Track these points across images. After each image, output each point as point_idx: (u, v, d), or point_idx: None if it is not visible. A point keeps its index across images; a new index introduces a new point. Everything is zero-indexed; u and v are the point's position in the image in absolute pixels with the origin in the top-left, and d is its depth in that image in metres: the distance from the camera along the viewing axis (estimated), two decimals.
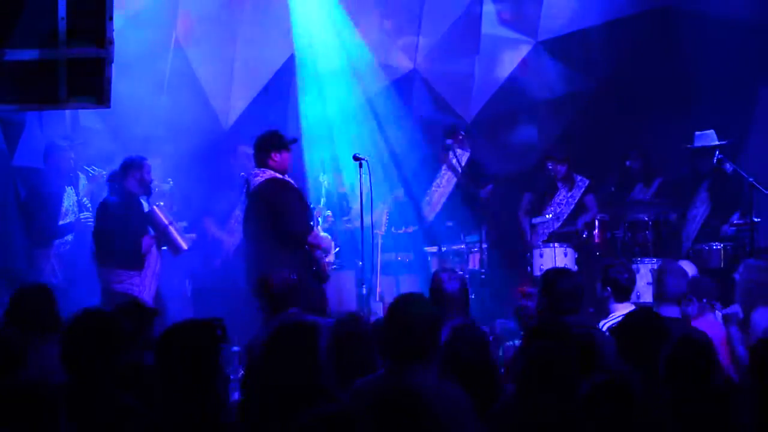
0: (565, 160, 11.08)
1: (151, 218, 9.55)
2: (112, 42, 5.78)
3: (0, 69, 5.70)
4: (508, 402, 4.73)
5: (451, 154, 11.20)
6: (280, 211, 8.46)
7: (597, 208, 11.17)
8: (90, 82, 5.83)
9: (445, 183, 11.31)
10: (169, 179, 10.90)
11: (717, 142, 10.52)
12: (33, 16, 5.61)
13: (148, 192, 9.64)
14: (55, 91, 5.79)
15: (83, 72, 5.77)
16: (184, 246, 9.70)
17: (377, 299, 9.65)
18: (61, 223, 10.09)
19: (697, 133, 10.69)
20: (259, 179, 8.64)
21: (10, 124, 10.44)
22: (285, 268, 7.20)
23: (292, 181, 8.81)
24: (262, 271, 7.50)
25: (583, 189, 11.17)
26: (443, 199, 11.28)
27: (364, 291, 9.44)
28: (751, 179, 9.70)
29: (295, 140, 9.06)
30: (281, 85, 12.29)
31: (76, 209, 10.24)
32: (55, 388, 4.08)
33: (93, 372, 4.58)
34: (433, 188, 11.37)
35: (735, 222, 10.31)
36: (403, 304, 4.81)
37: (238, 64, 12.15)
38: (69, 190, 10.26)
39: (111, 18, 5.78)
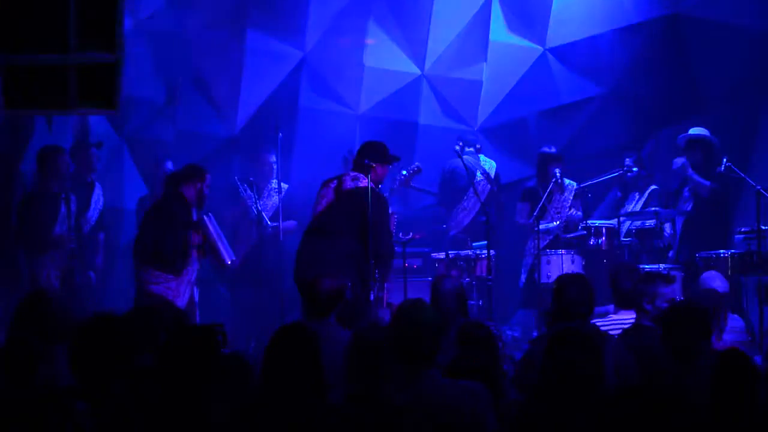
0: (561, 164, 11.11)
1: (202, 227, 9.31)
2: (122, 47, 5.80)
3: (10, 74, 5.72)
4: (524, 405, 4.76)
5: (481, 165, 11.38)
6: (378, 227, 8.50)
7: (583, 213, 11.17)
8: (100, 87, 5.85)
9: (480, 190, 11.32)
10: None
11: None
12: (43, 21, 5.63)
13: (201, 205, 9.38)
14: (65, 96, 5.80)
15: (93, 77, 5.78)
16: (229, 261, 9.46)
17: (384, 306, 9.65)
18: (58, 230, 10.04)
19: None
20: (358, 183, 8.66)
21: (19, 129, 10.47)
22: (345, 274, 7.33)
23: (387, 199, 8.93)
24: (328, 268, 7.55)
25: (573, 192, 11.15)
26: (477, 206, 11.23)
27: (372, 297, 9.45)
28: (758, 186, 9.70)
29: (398, 159, 9.11)
30: (291, 90, 12.32)
31: (72, 218, 10.15)
32: (66, 395, 4.10)
33: (101, 377, 4.59)
34: (470, 195, 11.37)
35: (743, 230, 10.33)
36: (408, 311, 4.84)
37: (247, 68, 12.19)
38: (66, 197, 10.17)
39: (121, 22, 5.80)
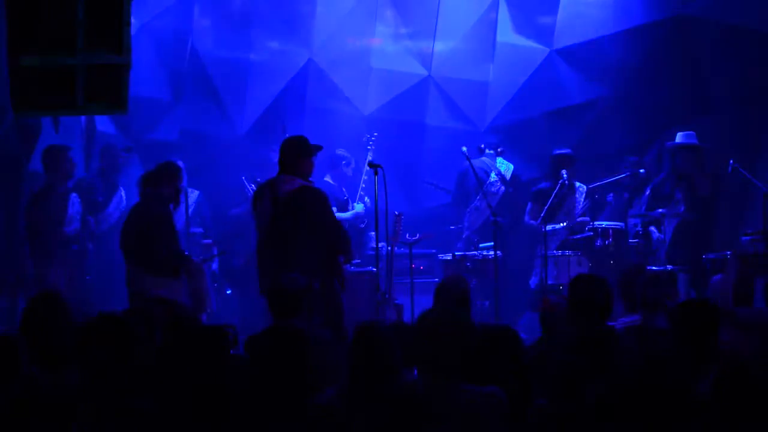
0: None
1: (200, 273, 9.19)
2: (129, 48, 5.83)
3: (18, 75, 5.75)
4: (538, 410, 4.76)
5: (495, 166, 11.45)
6: (326, 228, 8.32)
7: (590, 215, 11.18)
8: (108, 88, 5.88)
9: (494, 191, 11.32)
10: (195, 191, 10.98)
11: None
12: (51, 23, 5.66)
13: (178, 202, 9.14)
14: (73, 97, 5.83)
15: (101, 78, 5.82)
16: (208, 309, 9.21)
17: (391, 306, 9.68)
18: (65, 230, 10.06)
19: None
20: (290, 186, 8.37)
21: (27, 129, 10.49)
22: (311, 276, 7.25)
23: (323, 190, 8.68)
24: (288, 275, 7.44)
25: (583, 194, 11.16)
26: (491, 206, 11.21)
27: (379, 297, 9.48)
28: (765, 188, 9.69)
29: (321, 147, 8.94)
30: (297, 91, 12.33)
31: (79, 218, 10.15)
32: (67, 391, 4.12)
33: (106, 375, 4.61)
34: (482, 196, 11.36)
35: (749, 231, 10.33)
36: (431, 320, 4.76)
37: (254, 69, 12.21)
38: (74, 197, 10.18)
39: (128, 24, 5.83)
